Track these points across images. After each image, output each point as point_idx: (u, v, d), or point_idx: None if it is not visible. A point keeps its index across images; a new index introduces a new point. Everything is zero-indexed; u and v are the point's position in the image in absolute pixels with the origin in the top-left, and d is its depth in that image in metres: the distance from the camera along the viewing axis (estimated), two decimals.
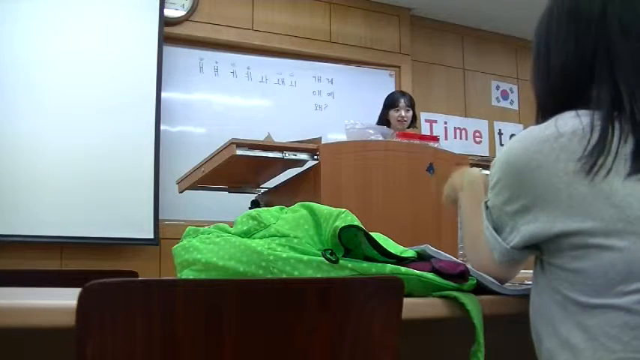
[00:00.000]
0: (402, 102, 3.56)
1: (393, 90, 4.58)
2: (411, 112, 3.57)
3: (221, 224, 1.08)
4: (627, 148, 0.87)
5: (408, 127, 3.57)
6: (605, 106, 0.91)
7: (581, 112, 0.91)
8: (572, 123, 0.90)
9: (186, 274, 1.02)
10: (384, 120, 3.57)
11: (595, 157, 0.86)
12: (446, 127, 5.28)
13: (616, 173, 0.86)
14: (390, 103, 3.62)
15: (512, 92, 5.61)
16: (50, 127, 3.67)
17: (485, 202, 1.00)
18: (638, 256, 0.83)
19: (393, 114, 3.56)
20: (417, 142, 2.62)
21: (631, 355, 0.82)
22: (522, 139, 0.94)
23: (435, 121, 5.23)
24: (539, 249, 0.93)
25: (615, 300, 0.83)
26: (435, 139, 2.73)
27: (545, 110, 0.98)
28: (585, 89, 0.94)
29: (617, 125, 0.88)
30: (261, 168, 2.58)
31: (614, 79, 0.92)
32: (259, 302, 0.73)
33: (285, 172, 2.67)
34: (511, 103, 5.59)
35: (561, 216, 0.87)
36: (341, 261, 0.94)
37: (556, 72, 0.98)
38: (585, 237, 0.85)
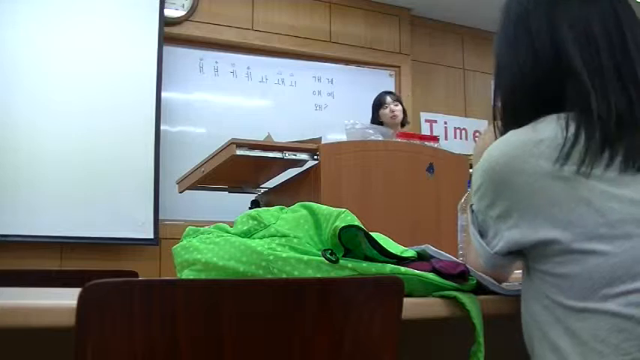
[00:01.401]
0: (388, 98, 3.60)
1: (393, 90, 4.59)
2: (399, 106, 3.58)
3: (221, 224, 1.08)
4: (605, 152, 0.87)
5: (402, 125, 3.58)
6: (580, 111, 0.90)
7: (562, 115, 0.91)
8: (553, 127, 0.90)
9: (187, 274, 1.02)
10: (376, 122, 3.58)
11: (574, 163, 0.86)
12: (446, 127, 5.28)
13: (595, 178, 0.85)
14: (377, 103, 3.66)
15: None
16: (50, 127, 3.67)
17: (471, 206, 1.00)
18: (622, 260, 0.83)
19: (383, 112, 3.58)
20: (417, 142, 2.62)
21: (621, 358, 0.81)
22: (503, 144, 0.94)
23: (435, 121, 5.22)
24: (524, 255, 0.93)
25: (602, 304, 0.83)
26: (435, 139, 2.73)
27: (517, 116, 0.97)
28: (555, 94, 0.94)
29: (596, 131, 0.88)
30: (261, 168, 2.58)
31: (581, 83, 0.92)
32: (259, 302, 0.73)
33: (285, 172, 2.67)
34: None
35: (543, 223, 0.87)
36: (341, 261, 0.94)
37: (523, 80, 0.98)
38: (568, 243, 0.85)
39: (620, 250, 0.83)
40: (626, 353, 0.81)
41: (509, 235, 0.91)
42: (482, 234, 0.97)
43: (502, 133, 0.97)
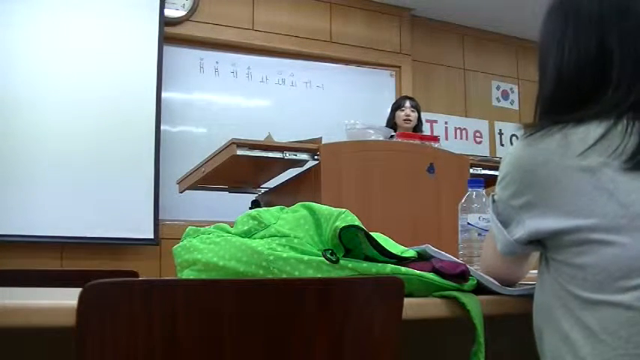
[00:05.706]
0: (407, 103, 3.73)
1: (394, 90, 4.60)
2: (416, 113, 3.70)
3: (221, 224, 1.08)
4: (631, 145, 0.88)
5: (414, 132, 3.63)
6: (612, 106, 0.92)
7: (593, 110, 0.92)
8: (582, 122, 0.91)
9: (187, 274, 1.02)
10: (391, 123, 3.68)
11: (600, 155, 0.87)
12: (446, 127, 5.28)
13: (620, 171, 0.87)
14: (396, 105, 3.79)
15: (512, 92, 5.61)
16: (50, 127, 3.67)
17: (493, 195, 1.01)
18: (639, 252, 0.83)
19: (399, 114, 3.70)
20: (417, 142, 2.62)
21: (632, 352, 0.82)
22: (531, 137, 0.95)
23: (436, 121, 5.22)
24: (542, 245, 0.94)
25: (616, 296, 0.84)
26: (436, 139, 2.73)
27: (552, 112, 0.98)
28: (591, 91, 0.95)
29: (623, 123, 0.89)
30: (262, 168, 2.58)
31: (618, 79, 0.93)
32: (259, 302, 0.73)
33: (286, 172, 2.67)
34: (511, 103, 5.59)
35: (566, 212, 0.88)
36: (341, 261, 0.94)
37: (566, 73, 0.99)
38: (588, 233, 0.86)
39: (639, 243, 0.84)
40: (636, 346, 0.82)
41: (532, 223, 0.92)
42: (503, 223, 0.97)
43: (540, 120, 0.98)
